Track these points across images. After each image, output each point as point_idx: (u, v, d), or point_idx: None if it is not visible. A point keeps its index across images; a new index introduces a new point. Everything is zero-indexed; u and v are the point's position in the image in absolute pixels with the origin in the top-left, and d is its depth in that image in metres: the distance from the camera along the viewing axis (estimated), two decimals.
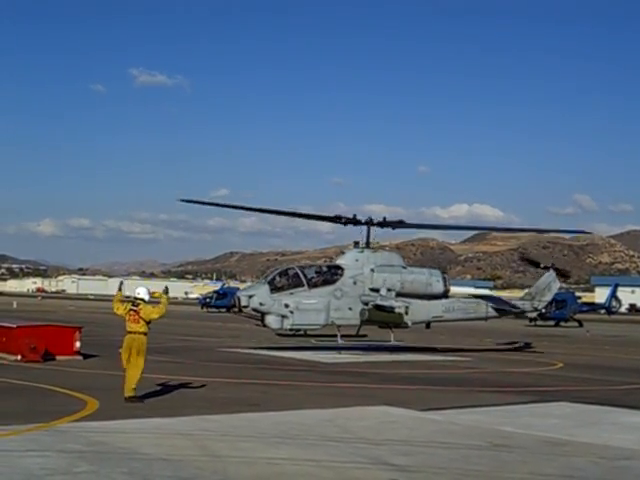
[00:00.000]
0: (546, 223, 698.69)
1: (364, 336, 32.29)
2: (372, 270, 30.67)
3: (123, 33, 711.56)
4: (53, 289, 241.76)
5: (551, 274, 36.73)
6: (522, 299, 37.24)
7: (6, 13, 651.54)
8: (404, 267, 32.16)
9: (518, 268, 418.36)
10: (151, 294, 16.05)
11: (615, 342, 45.81)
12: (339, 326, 30.46)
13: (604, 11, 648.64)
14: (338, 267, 30.94)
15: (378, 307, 30.32)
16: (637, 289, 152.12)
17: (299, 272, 30.18)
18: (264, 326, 30.09)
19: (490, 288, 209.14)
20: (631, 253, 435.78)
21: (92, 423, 12.52)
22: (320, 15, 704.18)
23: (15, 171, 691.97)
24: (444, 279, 32.41)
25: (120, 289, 16.64)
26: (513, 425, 13.68)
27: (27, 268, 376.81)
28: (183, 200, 33.13)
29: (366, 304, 30.26)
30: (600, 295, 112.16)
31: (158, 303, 15.91)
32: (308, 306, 29.50)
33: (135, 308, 15.58)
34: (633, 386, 21.40)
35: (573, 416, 15.27)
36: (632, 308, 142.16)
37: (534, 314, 39.51)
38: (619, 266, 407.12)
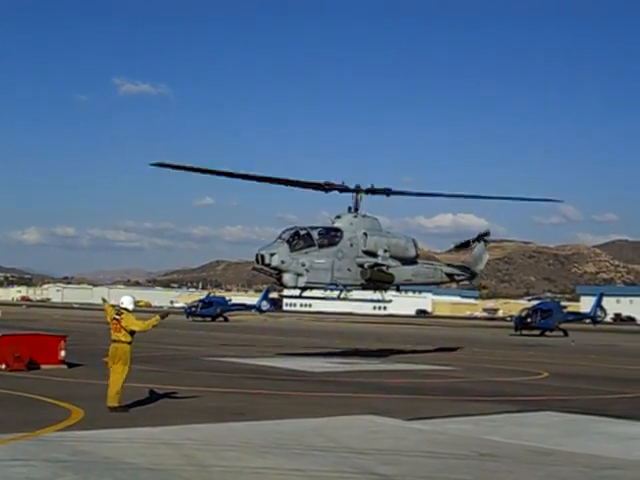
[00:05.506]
0: (531, 233, 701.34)
1: (344, 299, 33.36)
2: (365, 234, 31.94)
3: (106, 42, 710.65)
4: (38, 298, 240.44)
5: (482, 245, 39.20)
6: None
7: None
8: (388, 232, 33.77)
9: (504, 277, 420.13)
10: (136, 303, 16.00)
11: (600, 351, 45.94)
12: (344, 285, 31.72)
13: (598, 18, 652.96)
14: (338, 230, 31.94)
15: (379, 268, 31.83)
16: (622, 298, 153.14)
17: (311, 232, 31.11)
18: (280, 284, 31.13)
19: (475, 297, 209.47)
20: (616, 263, 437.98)
21: (77, 432, 12.46)
22: (310, 21, 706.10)
23: None
24: (415, 245, 34.25)
25: (105, 300, 16.88)
26: (499, 434, 13.68)
27: (12, 277, 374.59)
28: (154, 164, 29.82)
29: (361, 265, 31.69)
30: (585, 304, 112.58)
31: (148, 317, 15.91)
32: (319, 265, 30.67)
33: (117, 317, 15.51)
34: (619, 395, 21.43)
35: (559, 425, 15.28)
36: (617, 317, 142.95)
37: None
38: (604, 276, 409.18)
